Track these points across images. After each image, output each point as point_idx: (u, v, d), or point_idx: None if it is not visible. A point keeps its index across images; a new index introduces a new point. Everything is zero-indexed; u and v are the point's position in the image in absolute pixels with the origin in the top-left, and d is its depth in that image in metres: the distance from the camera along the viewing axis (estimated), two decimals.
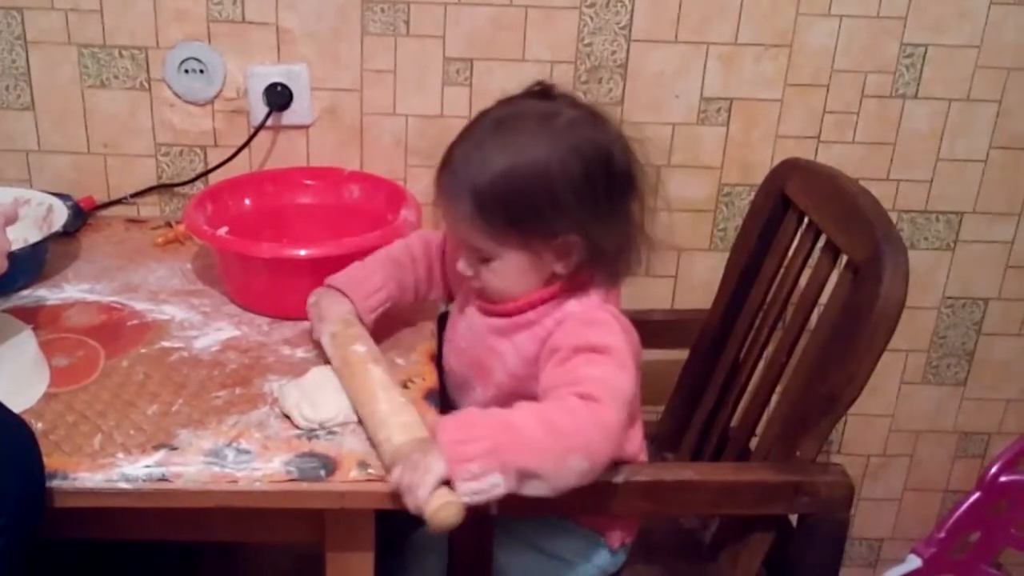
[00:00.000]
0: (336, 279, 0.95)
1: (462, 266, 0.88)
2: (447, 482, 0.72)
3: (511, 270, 0.85)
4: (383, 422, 0.79)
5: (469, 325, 0.93)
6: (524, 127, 0.83)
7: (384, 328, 1.00)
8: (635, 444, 0.94)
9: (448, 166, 0.85)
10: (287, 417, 0.85)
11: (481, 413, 0.78)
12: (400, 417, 0.80)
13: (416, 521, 0.73)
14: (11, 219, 0.89)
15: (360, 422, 0.84)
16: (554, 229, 0.83)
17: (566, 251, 0.84)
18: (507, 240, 0.83)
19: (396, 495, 0.75)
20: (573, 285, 0.87)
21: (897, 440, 1.45)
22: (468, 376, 0.93)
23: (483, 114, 0.87)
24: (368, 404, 0.82)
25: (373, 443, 0.80)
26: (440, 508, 0.71)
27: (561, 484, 0.75)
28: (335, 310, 0.92)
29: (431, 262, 1.00)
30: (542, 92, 0.87)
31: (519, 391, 0.85)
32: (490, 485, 0.72)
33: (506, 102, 0.87)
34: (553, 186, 0.81)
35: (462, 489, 0.71)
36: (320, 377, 0.88)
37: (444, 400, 0.93)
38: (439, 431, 0.74)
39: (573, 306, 0.86)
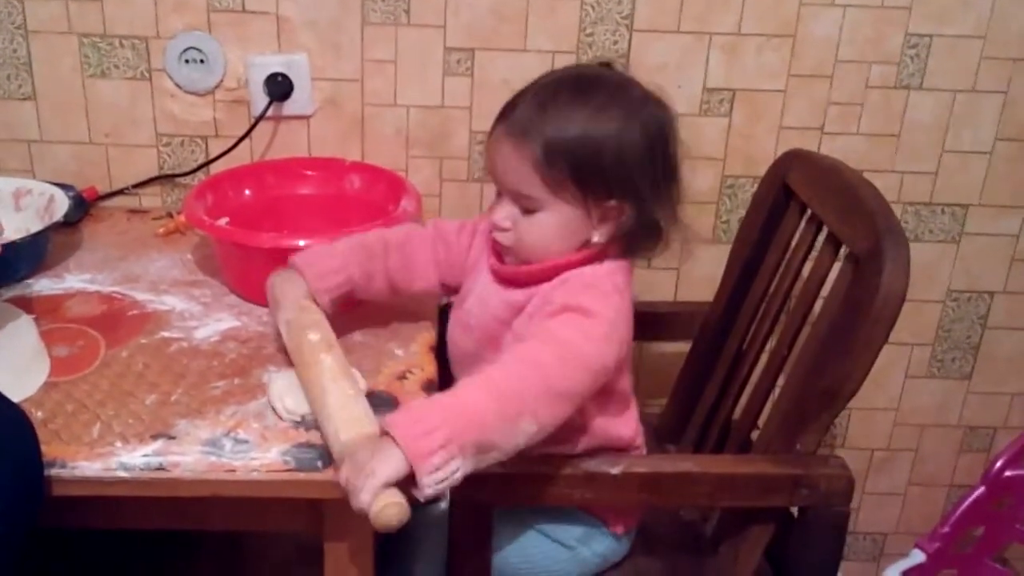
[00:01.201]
0: (295, 257, 0.94)
1: (501, 215, 0.88)
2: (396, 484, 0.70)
3: (554, 224, 0.86)
4: (330, 416, 0.78)
5: (480, 300, 0.93)
6: (602, 91, 0.86)
7: (383, 319, 1.00)
8: (629, 428, 0.94)
9: (515, 111, 0.86)
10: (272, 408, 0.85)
11: (427, 401, 0.78)
12: (348, 411, 0.78)
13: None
14: None
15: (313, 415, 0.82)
16: (610, 192, 0.85)
17: (615, 216, 0.86)
18: (563, 192, 0.84)
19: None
20: (597, 256, 0.88)
21: (901, 434, 1.45)
22: (479, 351, 0.92)
23: (555, 72, 0.90)
24: (318, 398, 0.80)
25: (324, 437, 0.79)
26: (383, 508, 0.69)
27: (513, 449, 0.76)
28: (291, 293, 0.91)
29: (415, 253, 0.98)
30: (608, 66, 0.92)
31: None
32: (451, 471, 0.71)
33: (579, 66, 0.92)
34: (622, 151, 0.84)
35: (426, 482, 0.70)
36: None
37: (448, 384, 0.93)
38: (392, 428, 0.72)
39: (582, 271, 0.87)
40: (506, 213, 0.88)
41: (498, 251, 0.92)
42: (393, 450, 0.70)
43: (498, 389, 0.76)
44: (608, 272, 0.88)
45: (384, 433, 0.72)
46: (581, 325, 0.81)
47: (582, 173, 0.84)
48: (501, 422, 0.75)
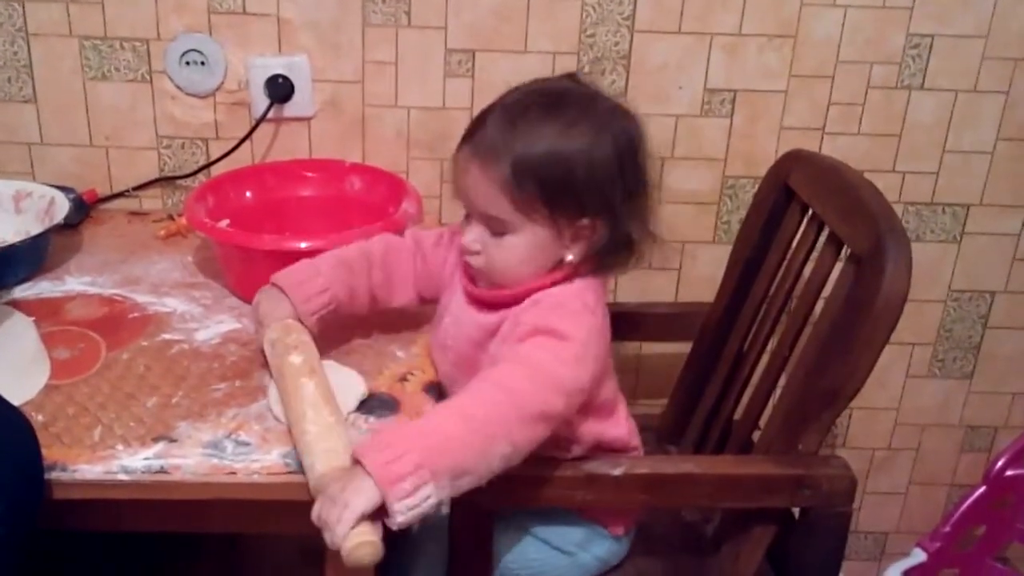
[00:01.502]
0: (279, 277, 0.92)
1: (469, 239, 0.86)
2: (371, 515, 0.69)
3: (524, 246, 0.84)
4: (308, 447, 0.75)
5: (455, 320, 0.92)
6: (571, 107, 0.83)
7: (384, 320, 1.00)
8: (620, 428, 0.93)
9: (482, 131, 0.84)
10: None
11: (397, 428, 0.77)
12: (326, 443, 0.76)
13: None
14: None
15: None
16: (582, 209, 0.83)
17: (586, 234, 0.85)
18: (533, 213, 0.83)
19: None
20: (566, 276, 0.86)
21: (903, 434, 1.45)
22: (455, 374, 0.91)
23: (519, 88, 0.87)
24: (297, 424, 0.78)
25: (302, 469, 0.76)
26: (356, 547, 0.68)
27: (487, 472, 0.75)
28: (275, 313, 0.89)
29: (395, 266, 0.97)
30: (574, 80, 0.89)
31: None
32: (423, 498, 0.70)
33: (542, 81, 0.88)
34: (592, 168, 0.82)
35: (397, 508, 0.69)
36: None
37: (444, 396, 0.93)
38: (361, 456, 0.71)
39: (551, 291, 0.86)
40: (475, 235, 0.86)
41: (470, 273, 0.90)
42: (365, 480, 0.69)
43: (469, 414, 0.75)
44: (578, 291, 0.85)
45: (356, 462, 0.71)
46: (553, 348, 0.80)
47: (553, 193, 0.82)
48: (473, 447, 0.74)
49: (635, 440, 0.95)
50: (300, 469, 0.77)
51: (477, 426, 0.74)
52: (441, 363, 0.93)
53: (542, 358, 0.79)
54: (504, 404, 0.76)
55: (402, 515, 0.69)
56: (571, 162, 0.82)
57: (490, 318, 0.88)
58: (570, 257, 0.85)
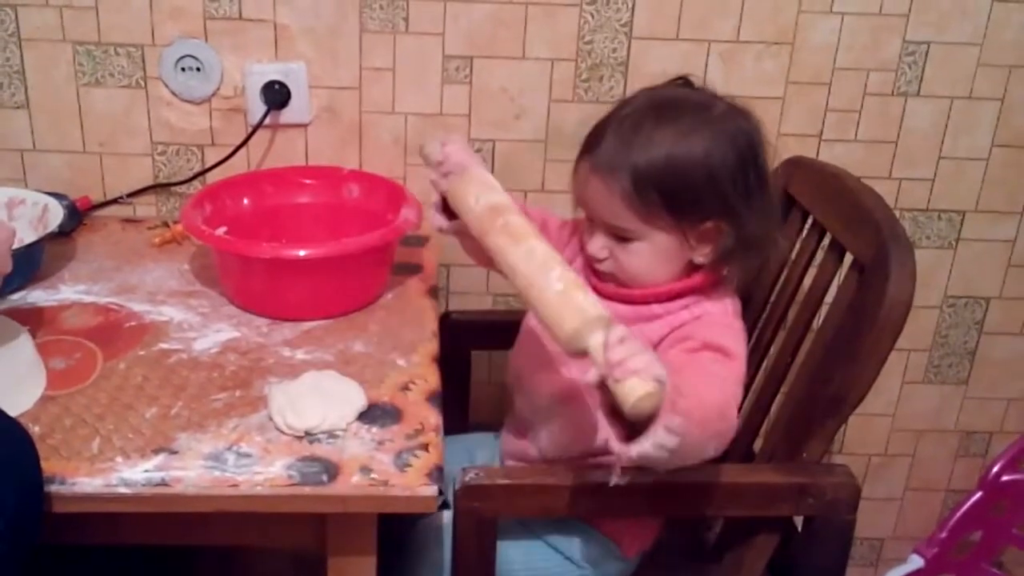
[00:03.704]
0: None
1: (595, 247, 0.88)
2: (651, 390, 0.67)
3: (651, 252, 0.86)
4: (580, 284, 0.74)
5: None
6: (683, 113, 0.85)
7: (384, 329, 0.99)
8: None
9: (600, 145, 0.86)
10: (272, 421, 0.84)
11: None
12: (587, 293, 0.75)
13: (417, 518, 0.72)
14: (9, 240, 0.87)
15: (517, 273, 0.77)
16: (705, 213, 0.85)
17: (713, 237, 0.86)
18: (656, 220, 0.84)
19: (395, 499, 0.75)
20: (707, 284, 0.88)
21: (898, 439, 1.45)
22: (550, 362, 0.91)
23: (630, 100, 0.89)
24: (550, 267, 0.75)
25: (567, 283, 0.74)
26: (644, 396, 0.66)
27: (681, 464, 0.75)
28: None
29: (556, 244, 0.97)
30: (686, 83, 0.91)
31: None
32: (668, 446, 0.68)
33: (654, 89, 0.90)
34: (711, 171, 0.83)
35: (656, 435, 0.67)
36: (308, 384, 0.87)
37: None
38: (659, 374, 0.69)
39: (710, 307, 0.88)
40: (601, 244, 0.88)
41: (597, 272, 0.91)
42: (659, 386, 0.68)
43: (722, 408, 0.77)
44: (732, 312, 0.88)
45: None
46: (727, 366, 0.82)
47: (674, 200, 0.84)
48: (708, 435, 0.75)
49: None
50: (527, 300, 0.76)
51: (718, 419, 0.76)
52: (539, 352, 0.93)
53: (725, 374, 0.81)
54: (729, 410, 0.78)
55: (652, 445, 0.68)
56: (690, 168, 0.83)
57: (626, 309, 0.88)
58: (700, 259, 0.87)
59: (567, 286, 0.74)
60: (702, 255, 0.87)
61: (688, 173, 0.83)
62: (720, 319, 0.87)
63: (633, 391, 0.67)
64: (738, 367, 0.83)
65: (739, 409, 0.84)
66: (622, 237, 0.86)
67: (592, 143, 0.87)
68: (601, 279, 0.91)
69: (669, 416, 0.68)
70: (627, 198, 0.84)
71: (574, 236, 0.98)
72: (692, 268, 0.88)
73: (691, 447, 0.73)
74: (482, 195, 0.84)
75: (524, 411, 0.99)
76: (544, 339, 0.92)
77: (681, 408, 0.68)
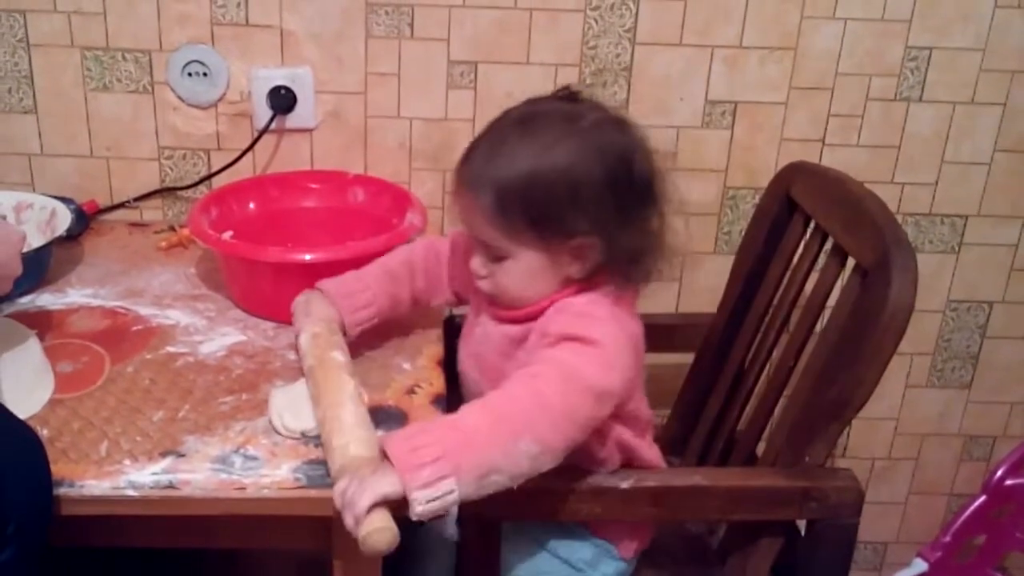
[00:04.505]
0: (328, 286, 0.94)
1: (476, 264, 0.87)
2: (390, 505, 0.70)
3: (525, 270, 0.84)
4: (344, 429, 0.77)
5: (484, 332, 0.92)
6: (549, 126, 0.82)
7: (390, 332, 1.00)
8: (653, 452, 0.94)
9: (469, 161, 0.84)
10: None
11: (427, 422, 0.79)
12: (362, 431, 0.77)
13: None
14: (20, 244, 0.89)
15: (318, 423, 0.81)
16: (573, 230, 0.82)
17: (583, 253, 0.83)
18: (524, 238, 0.82)
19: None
20: (585, 287, 0.86)
21: (902, 443, 1.45)
22: (482, 381, 0.92)
23: (507, 112, 0.86)
24: (334, 407, 0.80)
25: (325, 446, 0.78)
26: (372, 532, 0.68)
27: (516, 472, 0.74)
28: (322, 313, 0.91)
29: (434, 269, 0.99)
30: (569, 96, 0.87)
31: None
32: (444, 491, 0.70)
33: (531, 102, 0.87)
34: (575, 186, 0.80)
35: (416, 498, 0.69)
36: (307, 386, 0.87)
37: (458, 404, 0.92)
38: (387, 445, 0.72)
39: (575, 299, 0.85)
40: (479, 261, 0.86)
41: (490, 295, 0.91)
42: (389, 468, 0.70)
43: (495, 410, 0.76)
44: (605, 302, 0.84)
45: (383, 455, 0.72)
46: (582, 351, 0.80)
47: (537, 217, 0.81)
48: (498, 443, 0.73)
49: (662, 466, 0.95)
50: (321, 455, 0.78)
51: (502, 422, 0.75)
52: (471, 370, 0.94)
53: (571, 360, 0.79)
54: (531, 402, 0.76)
55: (420, 505, 0.70)
56: (552, 183, 0.80)
57: (514, 329, 0.88)
58: (575, 273, 0.85)
59: (325, 446, 0.78)
60: (576, 269, 0.84)
61: (550, 189, 0.80)
62: (580, 307, 0.83)
63: (362, 542, 0.69)
64: (600, 352, 0.79)
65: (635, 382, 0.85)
66: (495, 256, 0.84)
67: (464, 159, 0.85)
68: (493, 302, 0.90)
69: (414, 477, 0.69)
70: (491, 216, 0.81)
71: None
72: (570, 281, 0.85)
73: (492, 464, 0.73)
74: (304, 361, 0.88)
75: None
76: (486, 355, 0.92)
77: (431, 454, 0.70)
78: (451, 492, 0.71)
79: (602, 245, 0.83)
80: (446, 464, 0.70)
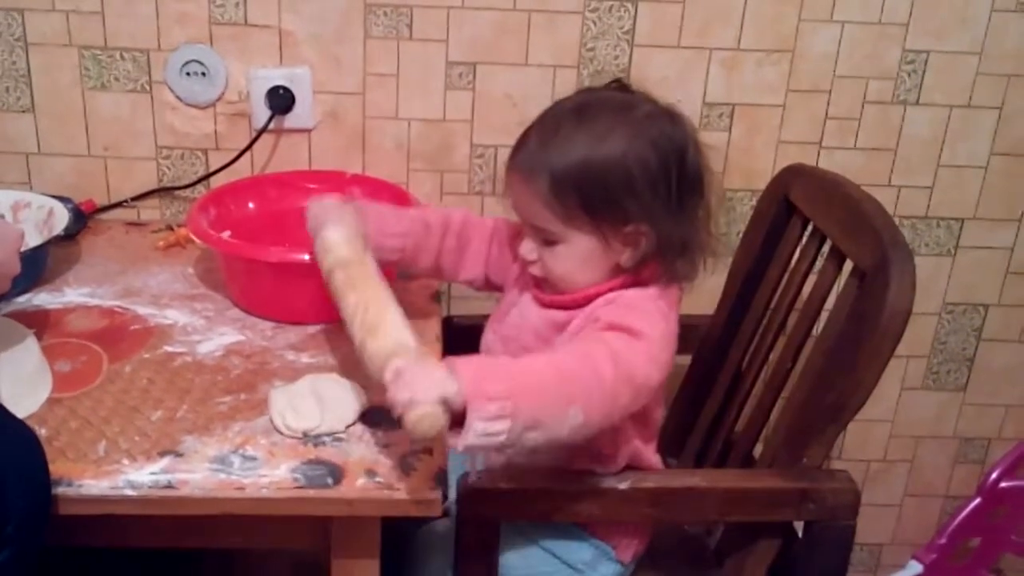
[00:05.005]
0: (365, 203, 0.95)
1: (525, 249, 0.88)
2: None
3: (576, 255, 0.85)
4: (397, 320, 0.78)
5: (521, 314, 0.93)
6: (604, 115, 0.84)
7: None
8: (656, 458, 0.94)
9: (523, 148, 0.86)
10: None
11: (494, 359, 0.79)
12: (409, 332, 0.78)
13: (419, 523, 0.72)
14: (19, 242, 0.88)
15: (351, 308, 0.81)
16: (625, 217, 0.83)
17: (634, 241, 0.85)
18: (577, 223, 0.84)
19: (400, 502, 0.76)
20: (635, 280, 0.87)
21: (897, 446, 1.46)
22: None
23: (559, 103, 0.88)
24: (377, 301, 0.80)
25: (367, 331, 0.78)
26: (425, 416, 0.68)
27: (553, 436, 0.75)
28: (353, 222, 0.90)
29: (469, 237, 0.99)
30: (620, 87, 0.90)
31: None
32: (497, 431, 0.70)
33: (585, 91, 0.90)
34: (629, 174, 0.82)
35: (476, 428, 0.69)
36: (308, 386, 0.87)
37: None
38: (457, 363, 0.72)
39: (628, 293, 0.86)
40: (530, 247, 0.88)
41: (537, 279, 0.92)
42: (457, 382, 0.70)
43: (562, 370, 0.76)
44: (652, 296, 0.86)
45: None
46: (628, 342, 0.81)
47: (591, 202, 0.83)
48: (556, 401, 0.74)
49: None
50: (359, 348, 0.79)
51: (566, 384, 0.75)
52: (503, 351, 0.94)
53: (620, 347, 0.80)
54: (588, 372, 0.77)
55: (474, 436, 0.69)
56: (607, 171, 0.82)
57: (560, 315, 0.89)
58: (625, 261, 0.86)
59: (363, 337, 0.78)
60: (626, 257, 0.85)
61: (605, 175, 0.82)
62: (632, 301, 0.85)
63: (407, 423, 0.69)
64: (645, 346, 0.80)
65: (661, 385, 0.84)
66: (547, 240, 0.86)
67: (517, 146, 0.87)
68: (539, 286, 0.91)
69: (481, 406, 0.69)
70: (546, 200, 0.83)
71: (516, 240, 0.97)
72: (619, 271, 0.87)
73: (541, 420, 0.73)
74: (328, 254, 0.87)
75: None
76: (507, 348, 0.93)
77: (500, 391, 0.70)
78: (501, 434, 0.71)
79: (653, 233, 0.84)
80: (509, 404, 0.70)
